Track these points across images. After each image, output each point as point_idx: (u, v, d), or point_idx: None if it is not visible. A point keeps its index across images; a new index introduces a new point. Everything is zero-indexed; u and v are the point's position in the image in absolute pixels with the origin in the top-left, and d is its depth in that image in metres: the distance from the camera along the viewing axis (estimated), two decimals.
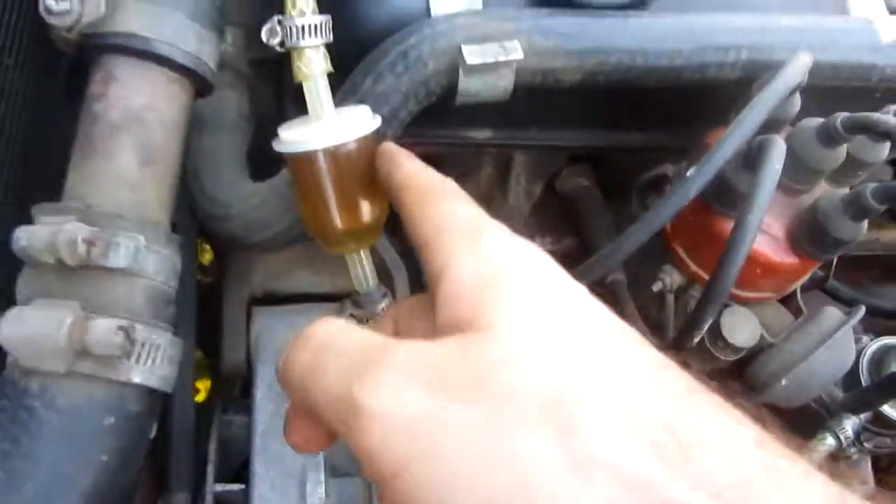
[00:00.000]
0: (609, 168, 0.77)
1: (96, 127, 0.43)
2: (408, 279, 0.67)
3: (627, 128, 0.67)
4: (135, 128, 0.43)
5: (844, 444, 0.73)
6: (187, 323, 0.59)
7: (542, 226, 0.78)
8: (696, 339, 0.56)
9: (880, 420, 0.73)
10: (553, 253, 0.81)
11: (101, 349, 0.38)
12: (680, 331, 0.57)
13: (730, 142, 0.48)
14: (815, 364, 0.60)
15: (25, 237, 0.40)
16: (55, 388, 0.38)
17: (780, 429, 0.72)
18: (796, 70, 0.50)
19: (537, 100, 0.59)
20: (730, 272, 0.51)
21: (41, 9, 0.43)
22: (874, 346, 0.73)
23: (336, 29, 0.53)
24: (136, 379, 0.39)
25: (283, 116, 0.54)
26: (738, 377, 0.64)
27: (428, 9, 0.56)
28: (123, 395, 0.40)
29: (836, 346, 0.61)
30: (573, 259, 0.79)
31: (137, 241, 0.40)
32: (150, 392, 0.42)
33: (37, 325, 0.38)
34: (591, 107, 0.64)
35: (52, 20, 0.42)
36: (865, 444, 0.78)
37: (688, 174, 0.49)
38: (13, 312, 0.39)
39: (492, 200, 0.74)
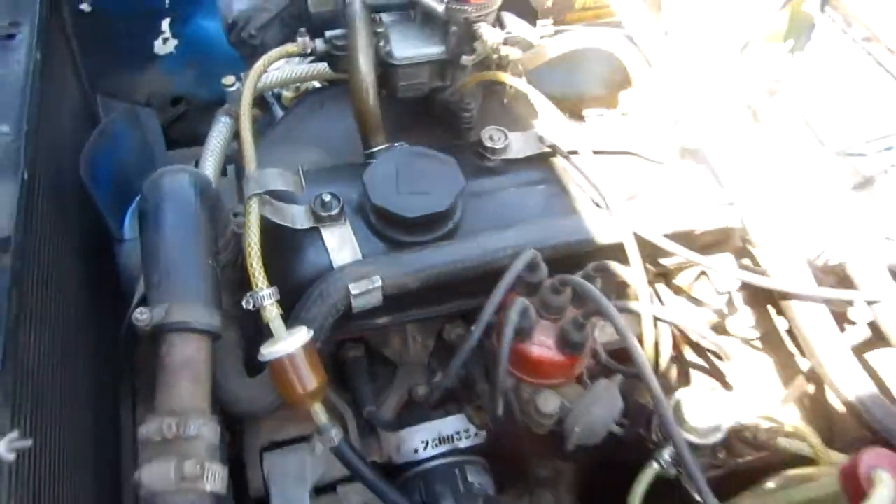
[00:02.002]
0: None
1: (166, 371, 0.86)
2: (353, 415, 1.09)
3: (472, 295, 1.11)
4: (187, 368, 0.86)
5: (665, 467, 1.11)
6: None
7: (441, 365, 1.21)
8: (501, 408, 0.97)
9: (692, 444, 1.13)
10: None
11: (191, 478, 0.79)
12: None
13: (484, 315, 0.93)
14: (593, 415, 1.01)
15: (145, 430, 0.82)
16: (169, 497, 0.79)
17: None
18: (520, 264, 0.95)
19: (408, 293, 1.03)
20: (502, 368, 0.94)
21: (133, 317, 0.87)
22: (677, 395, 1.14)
23: (284, 282, 0.98)
24: (209, 488, 0.80)
25: (259, 331, 0.98)
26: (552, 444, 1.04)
27: (330, 263, 1.02)
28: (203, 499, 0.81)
29: (604, 402, 1.02)
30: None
31: (198, 422, 0.83)
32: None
33: (158, 470, 0.79)
34: (445, 289, 1.09)
35: (137, 323, 0.87)
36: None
37: (472, 328, 0.93)
38: (145, 468, 0.81)
39: (401, 357, 1.17)
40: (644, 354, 0.88)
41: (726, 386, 1.36)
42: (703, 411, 1.12)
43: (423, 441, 1.22)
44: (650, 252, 1.13)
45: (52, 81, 1.22)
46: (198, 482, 0.80)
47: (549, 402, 1.02)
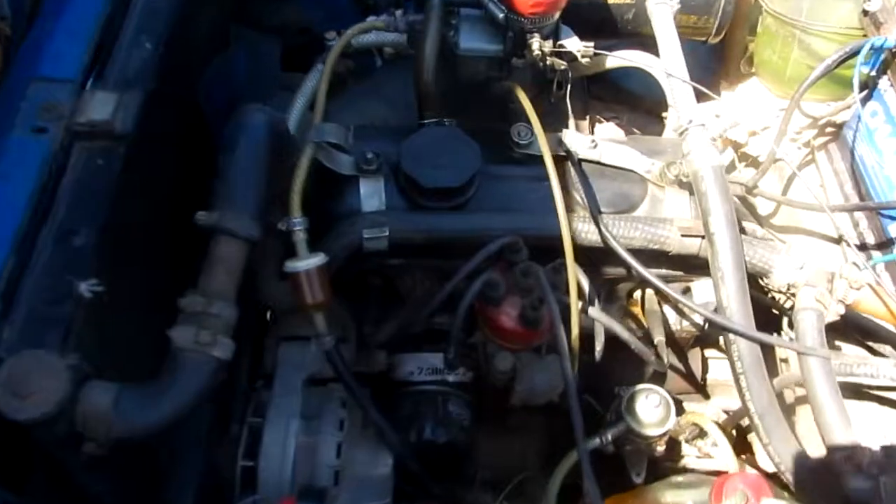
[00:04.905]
0: None
1: (209, 261, 1.14)
2: (354, 330, 1.35)
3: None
4: (224, 263, 1.14)
5: (604, 443, 1.31)
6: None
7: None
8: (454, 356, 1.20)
9: (633, 431, 1.32)
10: None
11: (204, 343, 1.08)
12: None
13: (455, 278, 1.15)
14: (535, 382, 1.23)
15: (183, 302, 1.11)
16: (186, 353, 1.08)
17: None
18: (494, 246, 1.16)
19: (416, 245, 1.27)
20: (458, 321, 1.17)
21: (195, 216, 1.15)
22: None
23: (322, 213, 1.24)
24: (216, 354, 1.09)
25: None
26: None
27: (360, 207, 1.27)
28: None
29: (547, 374, 1.23)
30: None
31: (220, 304, 1.10)
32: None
33: (183, 332, 1.08)
34: (448, 248, 1.30)
35: (197, 221, 1.15)
36: (626, 447, 1.36)
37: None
38: (176, 328, 1.10)
39: (410, 295, 1.42)
40: (564, 339, 1.09)
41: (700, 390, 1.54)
42: (650, 408, 1.32)
43: (418, 367, 1.46)
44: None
45: (193, 8, 1.49)
46: (208, 347, 1.08)
47: (505, 362, 1.24)
